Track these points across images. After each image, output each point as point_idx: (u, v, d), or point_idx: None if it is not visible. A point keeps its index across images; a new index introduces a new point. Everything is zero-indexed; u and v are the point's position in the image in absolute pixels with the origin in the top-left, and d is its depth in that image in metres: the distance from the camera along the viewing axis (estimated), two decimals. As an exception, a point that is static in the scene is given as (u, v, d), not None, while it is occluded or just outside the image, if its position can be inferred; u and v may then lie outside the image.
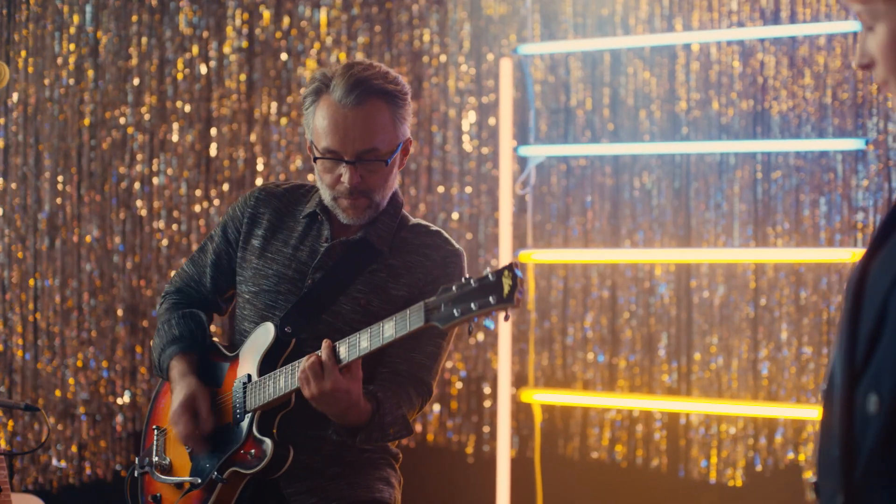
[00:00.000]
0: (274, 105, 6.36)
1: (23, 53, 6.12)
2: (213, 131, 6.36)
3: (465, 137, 6.55)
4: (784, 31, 5.86)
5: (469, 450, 6.52)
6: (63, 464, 6.15)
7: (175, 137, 6.33)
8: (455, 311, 2.94)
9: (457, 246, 3.52)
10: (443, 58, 6.53)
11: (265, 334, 3.42)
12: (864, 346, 1.84)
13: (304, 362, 3.20)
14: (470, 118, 6.54)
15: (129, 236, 6.28)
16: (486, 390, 6.52)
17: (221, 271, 3.64)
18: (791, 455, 6.04)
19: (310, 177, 6.04)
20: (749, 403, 6.00)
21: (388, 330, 3.10)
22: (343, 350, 3.19)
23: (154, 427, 3.65)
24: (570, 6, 6.35)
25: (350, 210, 3.41)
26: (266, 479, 3.38)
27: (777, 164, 6.06)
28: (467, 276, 3.01)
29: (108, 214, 6.25)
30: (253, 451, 3.35)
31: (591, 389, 6.37)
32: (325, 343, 3.20)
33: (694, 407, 6.11)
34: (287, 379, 3.30)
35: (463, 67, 6.54)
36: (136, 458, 3.67)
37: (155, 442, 3.62)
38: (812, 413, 5.76)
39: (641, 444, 6.31)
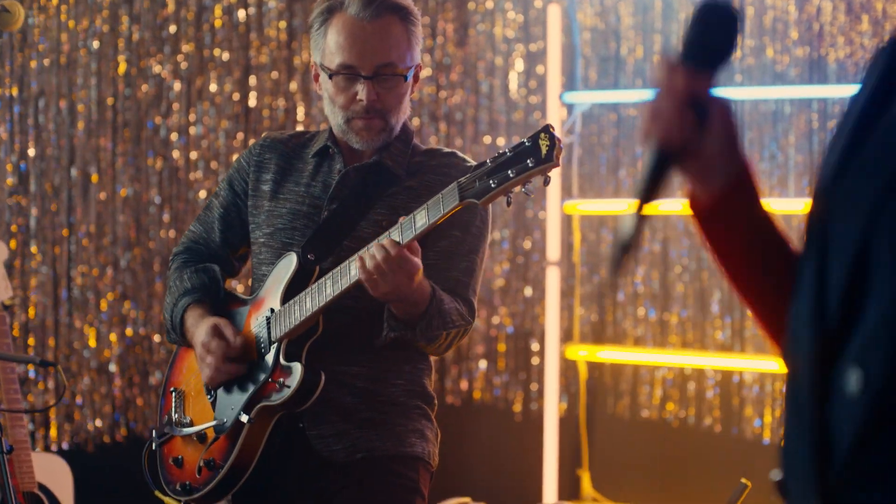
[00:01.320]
0: (315, 53, 6.20)
1: (55, 1, 5.98)
2: (252, 80, 6.21)
3: (513, 86, 6.40)
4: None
5: (517, 408, 6.38)
6: (98, 423, 6.02)
7: (213, 87, 6.18)
8: (492, 182, 2.90)
9: (474, 162, 3.38)
10: (489, 4, 6.38)
11: (287, 266, 3.30)
12: (837, 304, 1.42)
13: (371, 260, 3.04)
14: (517, 66, 6.38)
15: (166, 188, 6.14)
16: (534, 347, 6.37)
17: (230, 225, 3.52)
18: (848, 413, 5.89)
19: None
20: (806, 360, 5.84)
21: (421, 219, 3.01)
22: (354, 267, 3.09)
23: (171, 389, 3.53)
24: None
25: (364, 132, 3.30)
26: (295, 412, 3.24)
27: (834, 113, 5.90)
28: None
29: (143, 166, 6.11)
30: (281, 378, 3.22)
31: (641, 346, 6.22)
32: (375, 244, 3.06)
33: (748, 364, 5.97)
34: (314, 299, 3.19)
35: (510, 14, 6.38)
36: (154, 431, 3.54)
37: (174, 403, 3.51)
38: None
39: (693, 402, 6.16)
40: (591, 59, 6.28)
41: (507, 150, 2.89)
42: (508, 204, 2.94)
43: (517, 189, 2.90)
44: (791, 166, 5.98)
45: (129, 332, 6.07)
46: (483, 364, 6.39)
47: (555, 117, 6.03)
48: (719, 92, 1.66)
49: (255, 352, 3.32)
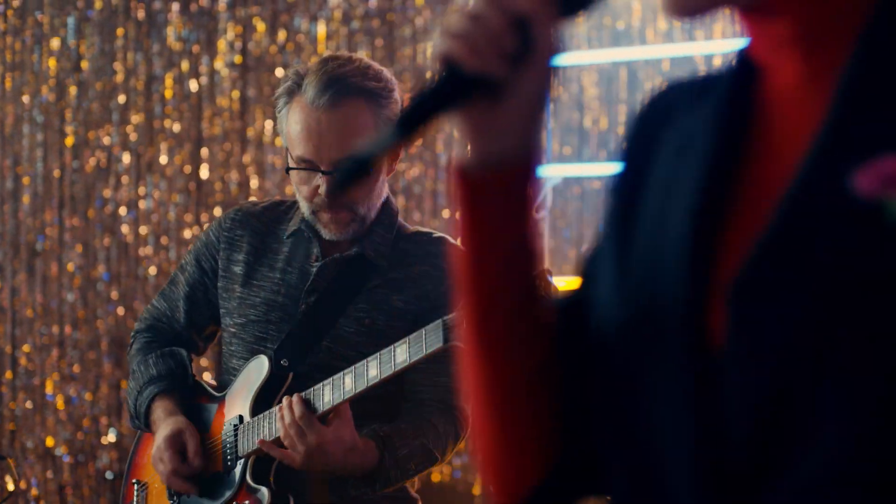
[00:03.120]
0: (269, 124, 6.03)
1: None
2: (204, 152, 6.04)
3: (473, 158, 6.25)
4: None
5: (476, 490, 6.23)
6: (43, 509, 5.87)
7: (163, 159, 6.01)
8: None
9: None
10: (448, 73, 6.23)
11: (258, 369, 3.09)
12: (745, 448, 1.13)
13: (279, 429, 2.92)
14: (477, 138, 6.23)
15: (115, 264, 5.97)
16: (496, 428, 6.22)
17: (196, 304, 3.29)
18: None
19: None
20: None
21: (401, 355, 2.78)
22: (328, 392, 2.90)
23: (134, 481, 3.34)
24: (583, 19, 6.05)
25: (332, 225, 3.06)
26: None
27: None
28: None
29: (91, 241, 5.96)
30: (247, 501, 3.05)
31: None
32: (286, 400, 2.91)
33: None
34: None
35: (470, 84, 6.23)
36: None
37: (135, 498, 3.32)
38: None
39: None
40: (553, 131, 6.13)
41: None
42: None
43: None
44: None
45: (76, 413, 5.91)
46: (443, 446, 6.24)
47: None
48: (553, 24, 1.22)
49: (221, 461, 3.15)
